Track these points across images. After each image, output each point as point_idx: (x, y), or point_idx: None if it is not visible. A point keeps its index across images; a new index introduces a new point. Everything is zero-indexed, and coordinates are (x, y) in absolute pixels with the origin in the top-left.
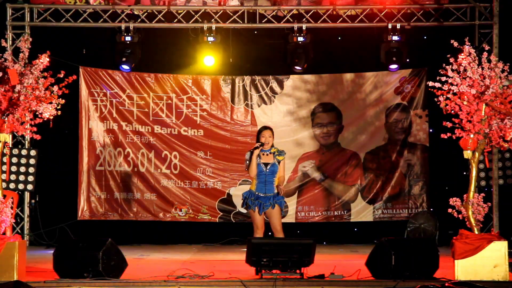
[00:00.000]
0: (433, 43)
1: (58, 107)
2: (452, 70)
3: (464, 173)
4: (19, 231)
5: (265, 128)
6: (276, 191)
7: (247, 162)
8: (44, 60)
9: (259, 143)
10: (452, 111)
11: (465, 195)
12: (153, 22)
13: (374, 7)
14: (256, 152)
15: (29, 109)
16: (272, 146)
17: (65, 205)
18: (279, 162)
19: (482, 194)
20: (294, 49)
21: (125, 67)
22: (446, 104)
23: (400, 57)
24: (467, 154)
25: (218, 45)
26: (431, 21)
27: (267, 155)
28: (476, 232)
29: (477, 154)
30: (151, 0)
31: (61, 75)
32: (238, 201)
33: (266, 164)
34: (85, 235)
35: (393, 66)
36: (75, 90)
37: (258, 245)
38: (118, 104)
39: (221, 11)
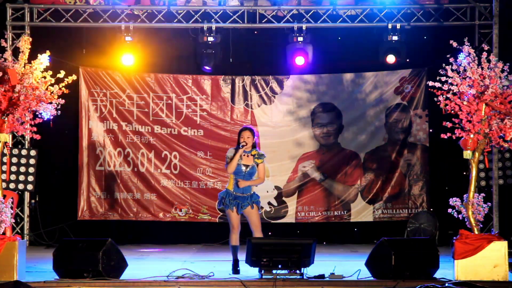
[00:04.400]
0: (433, 43)
1: (58, 107)
2: (452, 70)
3: (464, 173)
4: (19, 231)
5: (244, 129)
6: (253, 191)
7: (227, 159)
8: (44, 60)
9: (243, 143)
10: (452, 111)
11: (465, 195)
12: (153, 22)
13: (374, 7)
14: (240, 152)
15: (29, 109)
16: (254, 148)
17: (65, 205)
18: (257, 165)
19: (482, 194)
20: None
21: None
22: (446, 104)
23: (400, 57)
24: (467, 154)
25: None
26: (431, 21)
27: (248, 156)
28: (476, 232)
29: (477, 154)
30: (151, 0)
31: (61, 75)
32: None
33: (246, 166)
34: (85, 235)
35: (391, 60)
36: (75, 90)
37: (258, 245)
38: (118, 104)
39: (221, 11)
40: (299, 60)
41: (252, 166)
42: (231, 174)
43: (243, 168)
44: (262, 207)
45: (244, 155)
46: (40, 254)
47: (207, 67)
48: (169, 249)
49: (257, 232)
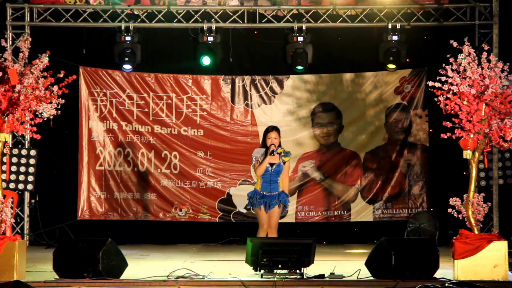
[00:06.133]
0: (433, 43)
1: (58, 107)
2: (452, 70)
3: (464, 173)
4: (19, 231)
5: (272, 129)
6: (280, 189)
7: (254, 161)
8: (44, 60)
9: (275, 147)
10: (452, 111)
11: (465, 195)
12: (153, 22)
13: (374, 7)
14: (271, 156)
15: (29, 109)
16: (280, 146)
17: (65, 205)
18: (284, 163)
19: (482, 194)
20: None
21: (126, 67)
22: (446, 104)
23: (399, 57)
24: (467, 154)
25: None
26: (431, 21)
27: (274, 155)
28: (476, 232)
29: (477, 154)
30: (151, 0)
31: (61, 75)
32: (238, 201)
33: (271, 164)
34: (85, 235)
35: (391, 66)
36: (75, 90)
37: (258, 245)
38: (118, 104)
39: (221, 11)
40: (206, 60)
41: (278, 164)
42: (260, 176)
43: (269, 166)
44: (287, 207)
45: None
46: (40, 254)
47: (207, 61)
48: (169, 249)
49: (273, 232)
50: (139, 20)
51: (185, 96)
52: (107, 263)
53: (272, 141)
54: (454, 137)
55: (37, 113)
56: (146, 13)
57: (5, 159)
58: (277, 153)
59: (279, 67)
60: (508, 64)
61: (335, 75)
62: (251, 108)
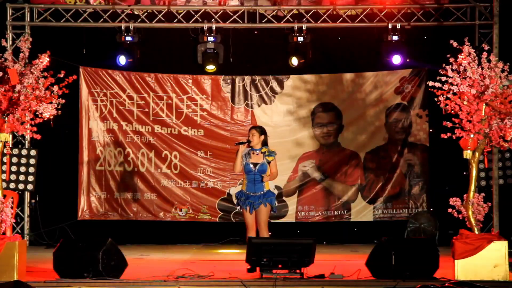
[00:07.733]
0: (433, 43)
1: (58, 107)
2: (452, 70)
3: (464, 173)
4: (19, 231)
5: (252, 127)
6: (265, 189)
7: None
8: (44, 60)
9: (245, 140)
10: (452, 111)
11: (465, 195)
12: (153, 22)
13: (374, 7)
14: (241, 149)
15: (29, 109)
16: (265, 146)
17: (65, 205)
18: (269, 163)
19: (482, 194)
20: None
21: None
22: (446, 104)
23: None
24: (467, 154)
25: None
26: (431, 21)
27: (257, 154)
28: (476, 232)
29: (477, 154)
30: (151, 0)
31: (61, 75)
32: None
33: (255, 164)
34: (85, 235)
35: (397, 60)
36: (75, 90)
37: (258, 245)
38: (118, 104)
39: (221, 11)
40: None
41: (262, 164)
42: (240, 172)
43: (252, 166)
44: (276, 205)
45: (253, 153)
46: (40, 254)
47: (210, 68)
48: (169, 249)
49: (263, 231)
50: (139, 20)
51: (185, 96)
52: (107, 263)
53: (250, 138)
54: (454, 137)
55: (37, 113)
56: (146, 13)
57: (5, 159)
58: (261, 153)
59: (279, 67)
60: (508, 64)
61: (335, 75)
62: (251, 108)
